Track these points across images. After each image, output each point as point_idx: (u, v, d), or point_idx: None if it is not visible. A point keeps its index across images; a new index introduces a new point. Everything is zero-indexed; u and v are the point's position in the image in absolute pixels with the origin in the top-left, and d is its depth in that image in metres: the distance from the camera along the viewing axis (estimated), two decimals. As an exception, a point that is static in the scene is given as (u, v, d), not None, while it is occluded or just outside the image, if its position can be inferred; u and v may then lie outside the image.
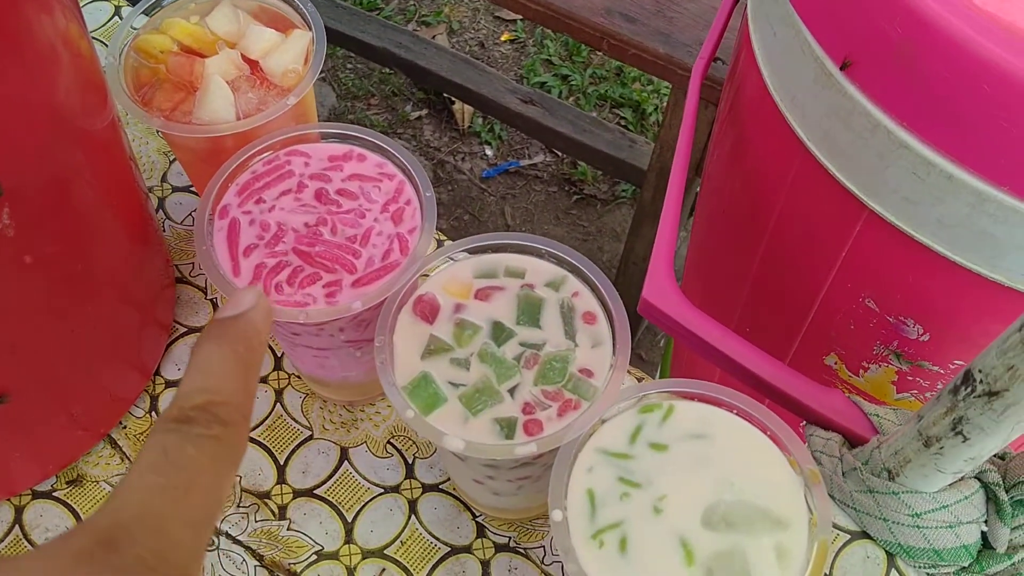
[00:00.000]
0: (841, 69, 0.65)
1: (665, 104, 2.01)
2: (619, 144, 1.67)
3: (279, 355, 0.68)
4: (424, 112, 2.02)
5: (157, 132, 0.78)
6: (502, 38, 2.12)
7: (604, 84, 2.02)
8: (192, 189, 0.75)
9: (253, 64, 0.62)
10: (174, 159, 0.77)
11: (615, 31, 1.27)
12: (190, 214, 0.74)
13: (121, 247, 0.58)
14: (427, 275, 0.55)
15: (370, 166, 0.59)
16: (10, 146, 0.46)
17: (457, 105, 1.99)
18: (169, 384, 0.67)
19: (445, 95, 1.99)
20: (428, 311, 0.54)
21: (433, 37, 2.05)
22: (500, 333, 0.53)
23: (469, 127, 2.00)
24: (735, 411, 0.51)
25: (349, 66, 2.07)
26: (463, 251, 0.56)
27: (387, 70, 2.04)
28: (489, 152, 1.98)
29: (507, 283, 0.55)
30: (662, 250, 0.74)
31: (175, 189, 0.75)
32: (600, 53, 2.08)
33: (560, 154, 1.96)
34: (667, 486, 0.49)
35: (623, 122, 1.98)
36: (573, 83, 2.02)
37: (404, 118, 2.00)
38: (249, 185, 0.58)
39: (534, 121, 1.72)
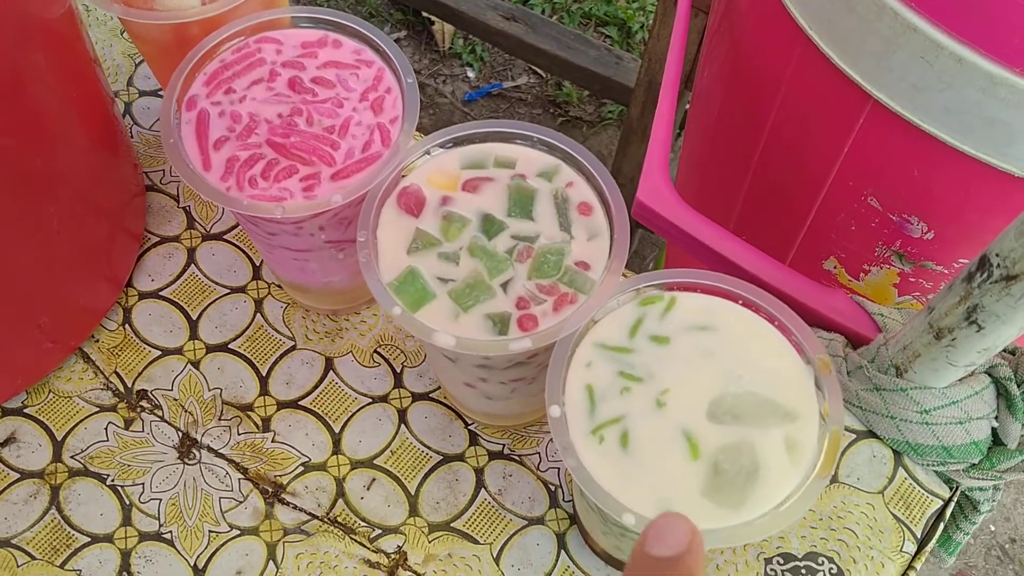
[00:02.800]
0: (845, -50, 0.61)
1: (651, 22, 1.95)
2: (605, 61, 1.62)
3: (258, 263, 0.65)
4: (403, 34, 1.96)
5: (123, 34, 0.74)
6: (482, -44, 2.05)
7: (588, 2, 1.96)
8: (160, 92, 0.71)
9: (219, -53, 0.58)
10: (140, 62, 0.72)
11: (601, -64, 1.22)
12: (158, 119, 0.70)
13: (83, 147, 0.55)
14: (410, 168, 0.52)
15: (347, 52, 0.55)
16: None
17: (437, 25, 1.93)
18: (142, 296, 0.64)
19: (424, 15, 1.93)
20: (413, 204, 0.51)
21: (411, -45, 1.98)
22: (491, 226, 0.50)
23: (450, 48, 1.94)
24: (740, 301, 0.48)
25: (324, -13, 2.01)
26: (449, 139, 0.52)
27: (364, -9, 1.97)
28: (471, 74, 1.93)
29: (497, 174, 0.52)
30: (656, 151, 0.70)
31: (142, 93, 0.71)
32: (584, -30, 2.01)
33: (544, 75, 1.91)
34: (670, 379, 0.46)
35: (609, 41, 1.92)
36: (556, 1, 1.96)
37: (383, 40, 1.94)
38: (218, 74, 0.54)
39: (517, 39, 1.66)
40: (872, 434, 0.60)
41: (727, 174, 0.87)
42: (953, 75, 0.58)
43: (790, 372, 0.47)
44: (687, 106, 1.47)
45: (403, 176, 0.52)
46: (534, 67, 1.91)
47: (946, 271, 0.72)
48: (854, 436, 0.60)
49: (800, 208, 0.77)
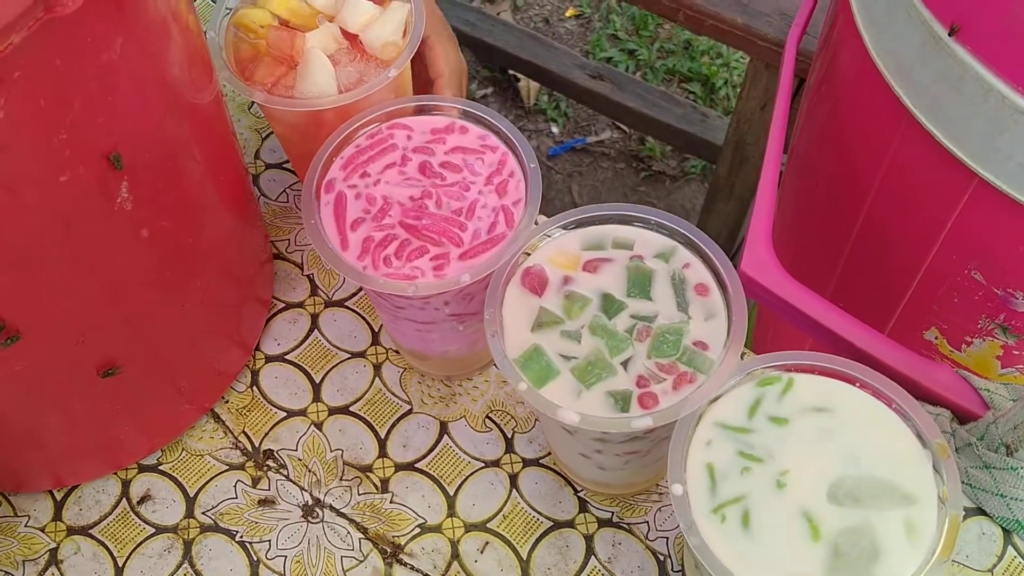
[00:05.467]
0: (950, 35, 0.62)
1: (735, 78, 1.97)
2: (690, 118, 1.64)
3: (376, 329, 0.68)
4: (490, 91, 2.01)
5: (249, 109, 0.78)
6: (567, 14, 2.10)
7: (672, 58, 1.99)
8: (286, 166, 0.75)
9: (352, 38, 0.62)
10: (266, 136, 0.77)
11: (692, 2, 1.24)
12: (284, 191, 0.74)
13: (226, 221, 0.59)
14: (532, 248, 0.55)
15: (472, 138, 0.58)
16: (129, 121, 0.46)
17: (523, 82, 1.97)
18: (269, 359, 0.67)
19: (511, 73, 1.98)
20: (537, 283, 0.53)
21: (498, 14, 2.04)
22: (611, 305, 0.52)
23: (535, 104, 1.98)
24: (857, 384, 0.49)
25: (414, 45, 2.08)
26: (570, 222, 0.55)
27: (452, 48, 2.03)
28: (555, 129, 1.97)
29: (615, 255, 0.54)
30: (760, 222, 0.72)
31: (268, 166, 0.76)
32: (667, 27, 2.05)
33: (627, 130, 1.94)
34: (789, 460, 0.47)
35: (692, 97, 1.95)
36: (640, 58, 1.99)
37: (469, 96, 1.99)
38: (354, 159, 0.57)
39: (603, 96, 1.69)
40: (981, 511, 0.60)
41: (825, 241, 0.88)
42: (1062, 157, 0.59)
43: (908, 455, 0.48)
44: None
45: (526, 256, 0.54)
46: (618, 123, 1.94)
47: (1052, 345, 0.72)
48: (963, 513, 0.60)
49: (901, 279, 0.78)
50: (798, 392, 0.49)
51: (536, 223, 0.55)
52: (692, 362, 0.50)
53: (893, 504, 0.46)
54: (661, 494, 0.62)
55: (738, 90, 1.95)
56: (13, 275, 0.44)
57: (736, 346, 0.50)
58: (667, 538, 0.61)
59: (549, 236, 0.55)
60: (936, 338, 0.80)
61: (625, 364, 0.51)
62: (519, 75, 1.95)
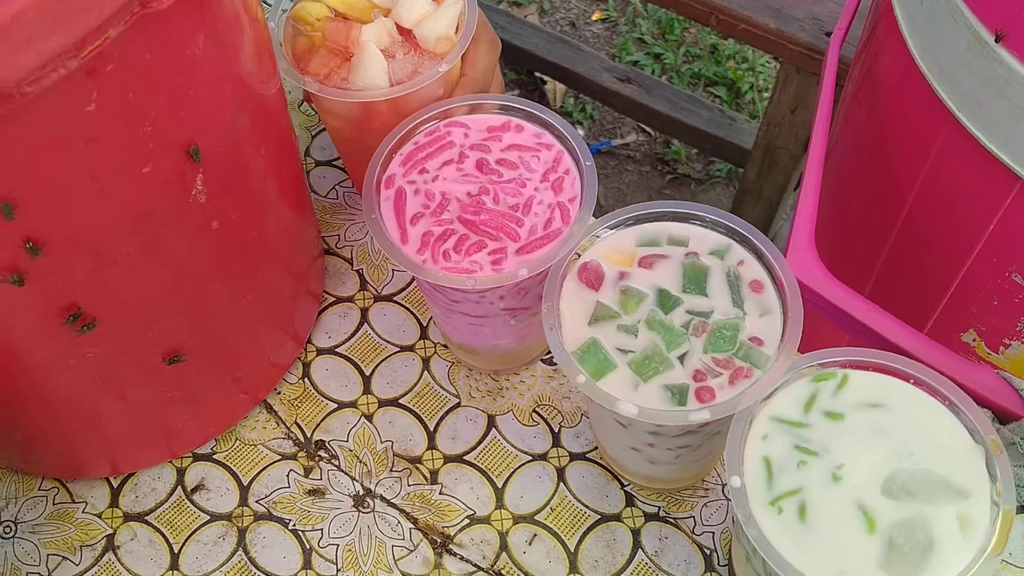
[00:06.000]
0: (996, 40, 0.63)
1: (760, 82, 1.98)
2: (718, 122, 1.65)
3: (425, 324, 0.70)
4: (516, 92, 2.02)
5: (299, 107, 0.80)
6: (593, 17, 2.11)
7: (698, 62, 2.00)
8: (336, 163, 0.77)
9: (406, 32, 0.63)
10: (316, 134, 0.78)
11: (725, 5, 1.25)
12: (334, 187, 0.76)
13: (286, 214, 0.60)
14: (588, 244, 0.56)
15: (528, 136, 0.59)
16: (206, 115, 0.47)
17: (549, 85, 1.99)
18: (320, 352, 0.69)
19: (537, 75, 1.99)
20: (593, 278, 0.54)
21: (525, 17, 2.05)
22: (667, 301, 0.53)
23: (561, 107, 1.99)
24: (911, 380, 0.50)
25: (441, 46, 2.09)
26: (626, 218, 0.56)
27: (478, 50, 2.05)
28: (581, 132, 1.98)
29: (670, 251, 0.55)
30: (803, 224, 0.73)
31: (318, 163, 0.77)
32: (693, 31, 2.06)
33: (652, 133, 1.95)
34: (844, 455, 0.48)
35: (717, 100, 1.96)
36: (666, 61, 2.00)
37: (495, 98, 2.01)
38: (412, 156, 0.59)
39: (630, 100, 1.71)
40: (1025, 511, 0.61)
41: (862, 243, 0.89)
42: (1109, 160, 0.59)
43: (962, 450, 0.48)
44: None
45: (582, 251, 0.55)
46: (643, 126, 1.95)
47: (1092, 348, 0.73)
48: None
49: (940, 281, 0.79)
50: (853, 388, 0.50)
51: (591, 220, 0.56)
52: (748, 357, 0.51)
53: (947, 498, 0.47)
54: (707, 489, 0.63)
55: (764, 94, 1.96)
56: (93, 264, 0.46)
57: (792, 342, 0.51)
58: (713, 532, 0.62)
59: (605, 232, 0.56)
60: (974, 340, 0.80)
61: (682, 358, 0.52)
62: (545, 77, 1.96)
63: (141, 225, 0.46)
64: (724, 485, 0.63)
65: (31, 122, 0.38)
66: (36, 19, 0.34)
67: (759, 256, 0.54)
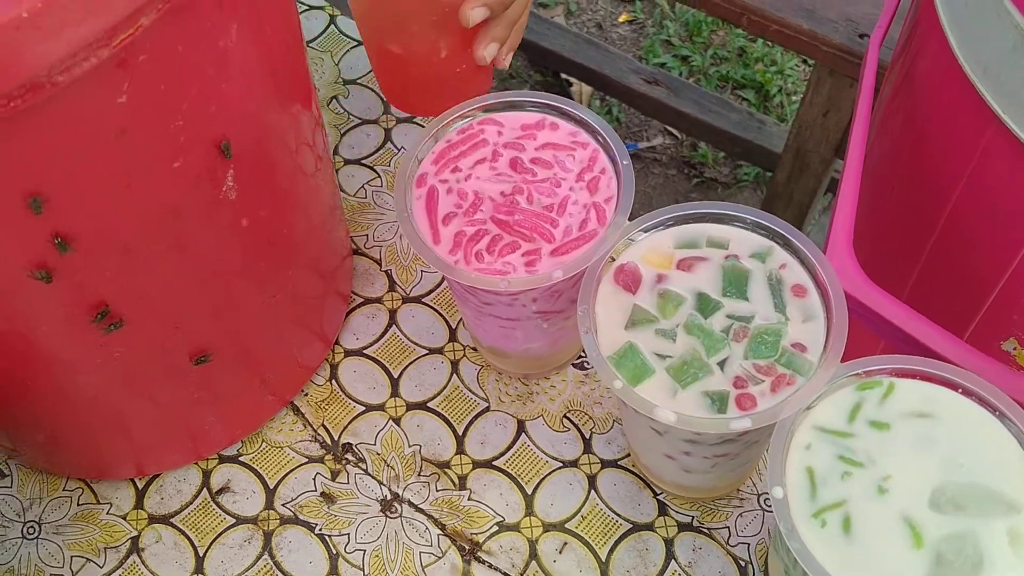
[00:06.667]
0: (1045, 37, 0.61)
1: (789, 85, 1.96)
2: (747, 125, 1.63)
3: (454, 327, 0.68)
4: (541, 94, 2.01)
5: (329, 104, 0.79)
6: (620, 19, 2.09)
7: (725, 65, 1.98)
8: (364, 162, 0.76)
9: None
10: (345, 131, 0.77)
11: (757, 6, 1.24)
12: (362, 186, 0.75)
13: (316, 213, 0.59)
14: (625, 246, 0.54)
15: (563, 135, 0.58)
16: (237, 109, 0.46)
17: (575, 86, 1.97)
18: (348, 353, 0.68)
19: (563, 76, 1.98)
20: (631, 281, 0.53)
21: (551, 18, 2.04)
22: (706, 305, 0.52)
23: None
24: (960, 389, 0.48)
25: (466, 48, 2.08)
26: (666, 219, 0.54)
27: (504, 52, 2.04)
28: (606, 134, 1.96)
29: (710, 254, 0.54)
30: (841, 228, 0.71)
31: (347, 162, 0.76)
32: (721, 33, 2.04)
33: (679, 136, 1.93)
34: (891, 466, 0.47)
35: (745, 103, 1.94)
36: (694, 64, 1.98)
37: (521, 100, 2.00)
38: (445, 154, 0.57)
39: (658, 102, 1.69)
40: (1074, 526, 0.59)
41: (900, 248, 0.87)
42: None
43: (1012, 463, 0.47)
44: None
45: (618, 253, 0.54)
46: (670, 128, 1.93)
47: None
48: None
49: (982, 287, 0.77)
50: (899, 397, 0.48)
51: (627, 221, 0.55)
52: (791, 364, 0.49)
53: (997, 512, 0.45)
54: (742, 499, 0.62)
55: (792, 97, 1.94)
56: (122, 260, 0.45)
57: (836, 349, 0.49)
58: (749, 544, 0.60)
59: (642, 234, 0.54)
60: (1015, 348, 0.78)
61: (722, 364, 0.50)
62: (572, 79, 1.95)
63: (170, 222, 0.45)
64: (760, 495, 0.62)
65: (61, 113, 0.37)
66: (67, 5, 0.33)
67: (802, 260, 0.53)
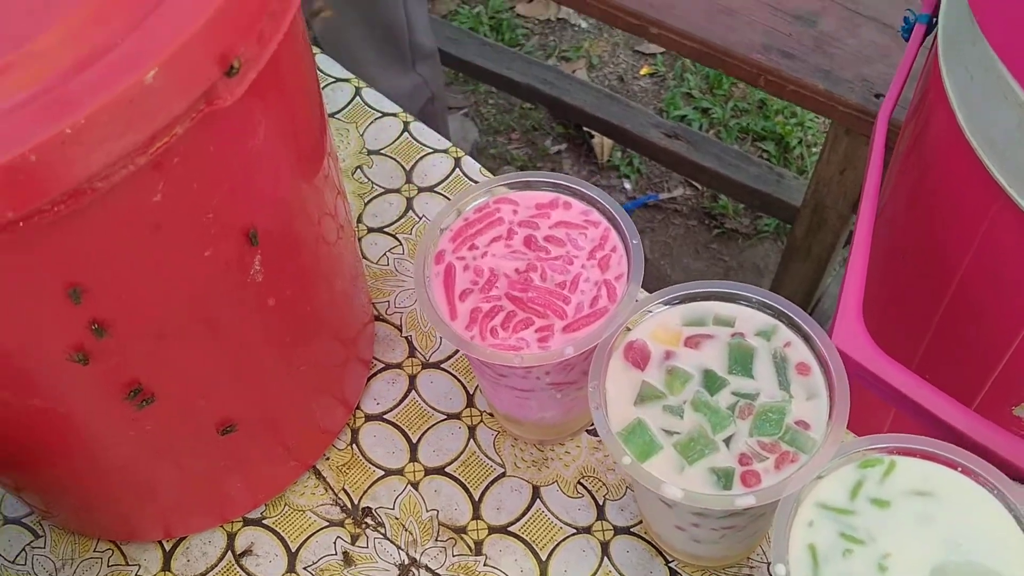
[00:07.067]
0: (1048, 117, 0.63)
1: (809, 137, 1.98)
2: (766, 178, 1.65)
3: (471, 392, 0.70)
4: (563, 147, 2.04)
5: (353, 175, 0.82)
6: (641, 72, 2.13)
7: (746, 117, 2.00)
8: (387, 230, 0.78)
9: None
10: (369, 200, 0.80)
11: (773, 67, 1.26)
12: (385, 254, 0.77)
13: (340, 285, 0.61)
14: (634, 323, 0.56)
15: (576, 213, 0.60)
16: (264, 198, 0.49)
17: (597, 139, 2.00)
18: (368, 418, 0.70)
19: (585, 129, 2.01)
20: (639, 357, 0.55)
21: (573, 72, 2.08)
22: (713, 382, 0.54)
23: (608, 161, 2.01)
24: (959, 468, 0.50)
25: (491, 101, 2.12)
26: (672, 297, 0.56)
27: (528, 105, 2.07)
28: (628, 185, 1.99)
29: (717, 331, 0.55)
30: (851, 296, 0.73)
31: (370, 230, 0.79)
32: (741, 86, 2.06)
33: (700, 187, 1.96)
34: (891, 544, 0.48)
35: (765, 155, 1.96)
36: (714, 116, 2.01)
37: (544, 152, 2.03)
38: (462, 232, 0.60)
39: (678, 155, 1.72)
40: (1081, 598, 0.60)
41: (910, 314, 0.88)
42: None
43: (1011, 542, 0.48)
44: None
45: (628, 330, 0.56)
46: (691, 181, 1.95)
47: None
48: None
49: (992, 354, 0.78)
50: (900, 475, 0.50)
51: (637, 298, 0.57)
52: (794, 442, 0.51)
53: (997, 592, 0.46)
54: (752, 568, 0.63)
55: (812, 149, 1.96)
56: (154, 343, 0.47)
57: (838, 427, 0.51)
58: (760, 612, 0.61)
59: (651, 311, 0.56)
60: (1027, 414, 0.79)
61: (727, 441, 0.52)
62: (593, 132, 1.98)
63: (201, 305, 0.48)
64: (770, 563, 0.63)
65: (100, 214, 0.40)
66: (109, 121, 0.36)
67: (806, 338, 0.54)
